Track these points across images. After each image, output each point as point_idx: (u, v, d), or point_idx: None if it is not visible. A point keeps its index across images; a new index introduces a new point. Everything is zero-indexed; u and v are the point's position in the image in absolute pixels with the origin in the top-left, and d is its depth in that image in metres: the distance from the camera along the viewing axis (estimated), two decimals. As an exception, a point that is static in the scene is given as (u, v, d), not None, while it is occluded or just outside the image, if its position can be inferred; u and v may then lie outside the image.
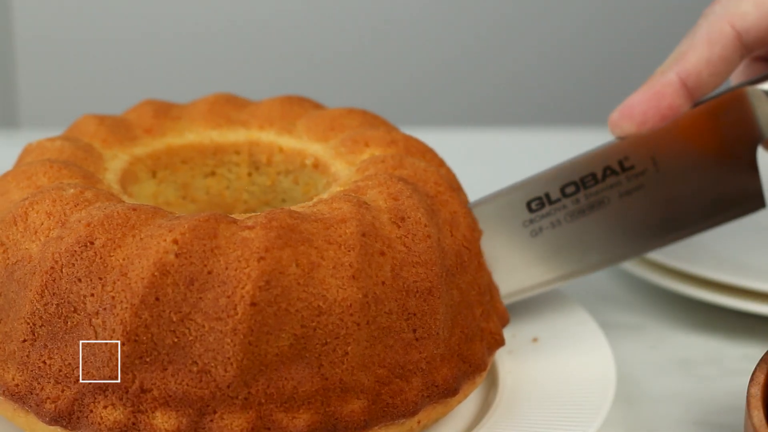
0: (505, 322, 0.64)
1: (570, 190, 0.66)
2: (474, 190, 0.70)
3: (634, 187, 0.67)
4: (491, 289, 0.63)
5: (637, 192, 0.67)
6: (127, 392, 0.54)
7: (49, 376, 0.55)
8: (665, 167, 0.66)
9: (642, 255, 0.69)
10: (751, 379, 0.54)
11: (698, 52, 0.65)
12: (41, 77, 1.51)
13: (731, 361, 0.72)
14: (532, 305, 0.71)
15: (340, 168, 0.64)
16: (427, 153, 0.64)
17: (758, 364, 0.55)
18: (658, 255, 0.76)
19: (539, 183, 0.66)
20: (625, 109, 0.65)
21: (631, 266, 0.77)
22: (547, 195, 0.66)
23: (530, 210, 0.66)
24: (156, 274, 0.53)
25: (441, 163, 0.65)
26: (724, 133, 0.67)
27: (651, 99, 0.65)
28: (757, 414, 0.52)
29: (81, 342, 0.54)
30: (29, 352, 0.55)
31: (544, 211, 0.66)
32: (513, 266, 0.66)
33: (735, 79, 0.70)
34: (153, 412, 0.54)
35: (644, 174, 0.66)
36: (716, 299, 0.74)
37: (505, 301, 0.67)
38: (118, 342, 0.53)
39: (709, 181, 0.67)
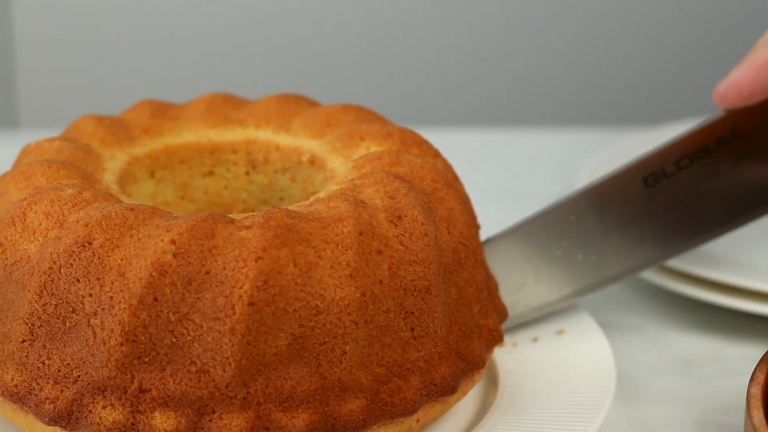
0: (503, 317, 0.64)
1: (684, 163, 0.68)
2: (474, 190, 0.70)
3: (745, 155, 0.69)
4: (489, 285, 0.63)
5: (747, 161, 0.69)
6: (125, 392, 0.54)
7: (48, 376, 0.55)
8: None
9: (759, 218, 0.71)
10: (751, 379, 0.54)
11: None
12: (41, 77, 1.50)
13: (731, 361, 0.72)
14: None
15: (336, 163, 0.64)
16: (422, 144, 0.64)
17: (758, 364, 0.55)
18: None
19: (655, 158, 0.68)
20: (731, 83, 0.67)
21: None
22: (663, 170, 0.68)
23: (647, 185, 0.68)
24: (154, 274, 0.53)
25: (436, 154, 0.64)
26: None
27: (757, 72, 0.67)
28: (757, 414, 0.52)
29: (79, 342, 0.54)
30: (28, 352, 0.55)
31: (662, 186, 0.68)
32: (630, 242, 0.68)
33: None
34: (152, 413, 0.54)
35: (754, 143, 0.68)
36: (716, 299, 0.74)
37: (630, 276, 0.68)
38: (117, 342, 0.53)
39: None
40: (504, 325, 0.67)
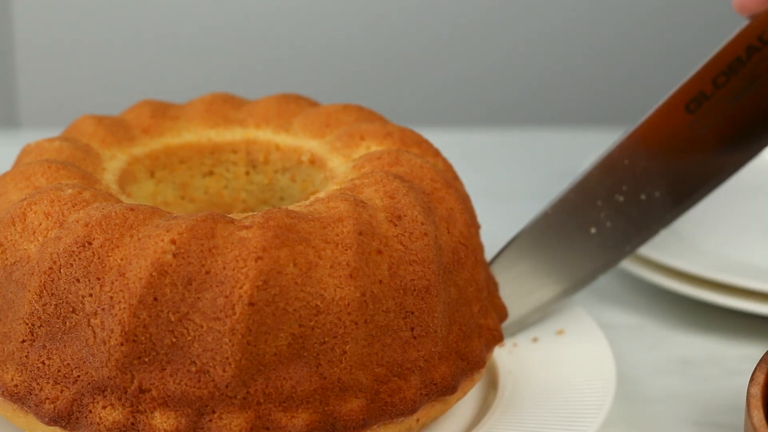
0: (503, 317, 0.64)
1: (721, 80, 0.68)
2: (474, 190, 0.70)
3: None
4: (489, 285, 0.63)
5: None
6: (125, 392, 0.54)
7: (48, 376, 0.55)
8: None
9: None
10: (751, 379, 0.54)
11: None
12: (41, 77, 1.50)
13: (731, 361, 0.72)
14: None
15: (336, 163, 0.64)
16: (422, 144, 0.64)
17: (758, 364, 0.55)
18: (657, 254, 0.76)
19: (690, 84, 0.67)
20: None
21: (631, 266, 0.77)
22: (702, 93, 0.68)
23: (690, 111, 0.68)
24: (154, 274, 0.53)
25: (436, 154, 0.64)
26: None
27: None
28: (757, 414, 0.52)
29: (79, 342, 0.54)
30: (28, 352, 0.55)
31: (704, 108, 0.68)
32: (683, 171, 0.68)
33: None
34: (152, 412, 0.54)
35: None
36: (716, 299, 0.74)
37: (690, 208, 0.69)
38: (117, 342, 0.53)
39: None
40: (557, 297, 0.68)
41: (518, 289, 0.68)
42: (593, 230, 0.69)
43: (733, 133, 0.68)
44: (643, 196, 0.68)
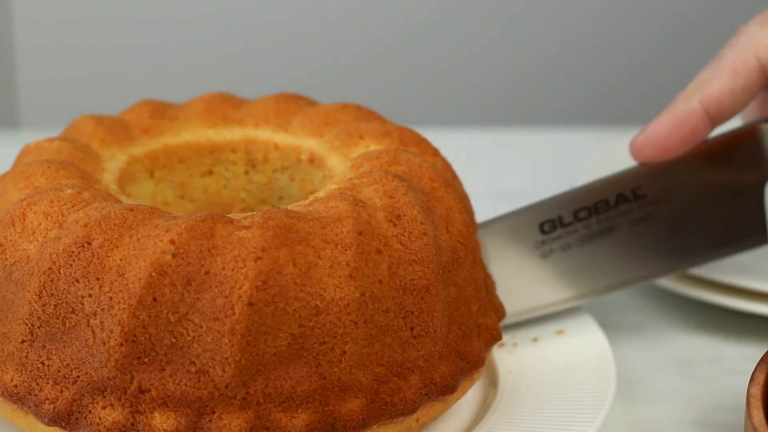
0: (501, 316, 0.64)
1: (582, 214, 0.67)
2: (474, 190, 0.70)
3: (644, 215, 0.67)
4: (487, 284, 0.63)
5: (647, 221, 0.68)
6: (125, 393, 0.54)
7: (47, 376, 0.55)
8: (676, 198, 0.67)
9: (649, 281, 0.70)
10: (751, 379, 0.54)
11: (722, 81, 0.66)
12: (41, 77, 1.51)
13: (731, 361, 0.71)
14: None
15: (335, 162, 0.64)
16: (421, 143, 0.64)
17: (758, 364, 0.55)
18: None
19: (553, 205, 0.67)
20: (648, 137, 0.66)
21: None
22: (560, 218, 0.67)
23: (543, 232, 0.67)
24: (153, 274, 0.53)
25: (435, 153, 0.64)
26: (735, 168, 0.68)
27: (674, 126, 0.66)
28: (757, 414, 0.52)
29: (79, 342, 0.54)
30: (28, 352, 0.55)
31: (556, 233, 0.67)
32: (522, 286, 0.67)
33: (749, 111, 0.71)
34: (151, 413, 0.54)
35: (655, 203, 0.67)
36: (716, 299, 0.74)
37: (511, 320, 0.67)
38: (117, 342, 0.53)
39: (717, 215, 0.68)
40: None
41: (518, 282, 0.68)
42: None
43: (573, 268, 0.67)
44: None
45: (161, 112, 0.68)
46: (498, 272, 0.66)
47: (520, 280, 0.67)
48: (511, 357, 0.66)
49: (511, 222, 0.66)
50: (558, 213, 0.67)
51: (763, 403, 0.53)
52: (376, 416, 0.55)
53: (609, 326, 0.74)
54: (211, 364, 0.53)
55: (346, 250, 0.55)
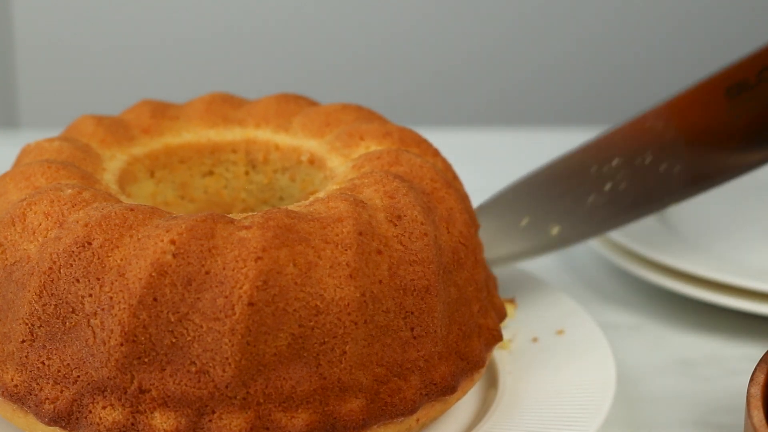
0: (502, 316, 0.64)
1: (766, 74, 0.67)
2: (474, 190, 0.70)
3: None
4: (488, 284, 0.63)
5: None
6: (125, 393, 0.54)
7: (48, 376, 0.55)
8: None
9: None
10: (751, 379, 0.54)
11: None
12: (41, 77, 1.51)
13: (731, 361, 0.72)
14: (532, 305, 0.71)
15: (336, 163, 0.64)
16: (421, 143, 0.64)
17: (758, 364, 0.55)
18: (657, 254, 0.76)
19: (738, 70, 0.67)
20: None
21: (631, 266, 0.77)
22: (746, 81, 0.67)
23: (729, 96, 0.67)
24: (153, 274, 0.53)
25: (436, 153, 0.64)
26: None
27: None
28: (757, 414, 0.52)
29: (79, 342, 0.54)
30: (28, 352, 0.55)
31: (744, 97, 0.67)
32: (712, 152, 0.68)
33: None
34: (152, 413, 0.54)
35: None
36: (716, 299, 0.74)
37: (712, 187, 0.69)
38: (117, 342, 0.53)
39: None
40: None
41: (509, 226, 0.68)
42: (608, 186, 0.68)
43: (765, 129, 0.67)
44: (663, 167, 0.67)
45: (162, 112, 0.68)
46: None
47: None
48: (511, 357, 0.66)
49: (696, 90, 0.67)
50: (743, 76, 0.67)
51: (763, 403, 0.53)
52: (376, 416, 0.55)
53: (609, 326, 0.74)
54: (211, 364, 0.53)
55: (346, 250, 0.55)
